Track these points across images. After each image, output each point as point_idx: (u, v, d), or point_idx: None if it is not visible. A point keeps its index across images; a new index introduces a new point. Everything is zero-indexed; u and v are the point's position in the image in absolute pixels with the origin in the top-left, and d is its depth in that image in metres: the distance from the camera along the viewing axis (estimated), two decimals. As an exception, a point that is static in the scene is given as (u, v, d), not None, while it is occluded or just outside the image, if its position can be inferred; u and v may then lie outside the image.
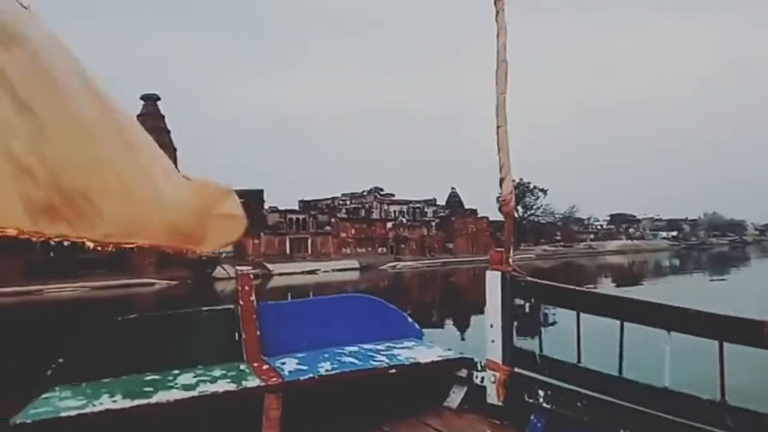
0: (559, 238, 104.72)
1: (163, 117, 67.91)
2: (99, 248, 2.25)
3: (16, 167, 2.11)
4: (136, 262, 54.24)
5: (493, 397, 3.35)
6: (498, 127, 3.26)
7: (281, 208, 75.60)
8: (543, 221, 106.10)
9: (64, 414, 2.66)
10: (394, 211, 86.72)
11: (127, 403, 2.76)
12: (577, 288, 3.26)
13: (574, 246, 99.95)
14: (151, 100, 66.85)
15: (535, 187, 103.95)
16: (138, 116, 68.00)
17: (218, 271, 56.91)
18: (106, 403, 2.78)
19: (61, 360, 3.22)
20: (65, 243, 2.24)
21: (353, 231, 79.53)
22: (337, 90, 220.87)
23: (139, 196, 2.28)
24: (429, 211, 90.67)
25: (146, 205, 2.30)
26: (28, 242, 2.26)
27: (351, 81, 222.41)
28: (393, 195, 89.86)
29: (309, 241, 74.74)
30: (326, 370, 3.22)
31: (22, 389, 3.07)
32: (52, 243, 2.19)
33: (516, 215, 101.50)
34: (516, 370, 3.32)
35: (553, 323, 6.98)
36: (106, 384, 3.10)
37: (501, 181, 3.28)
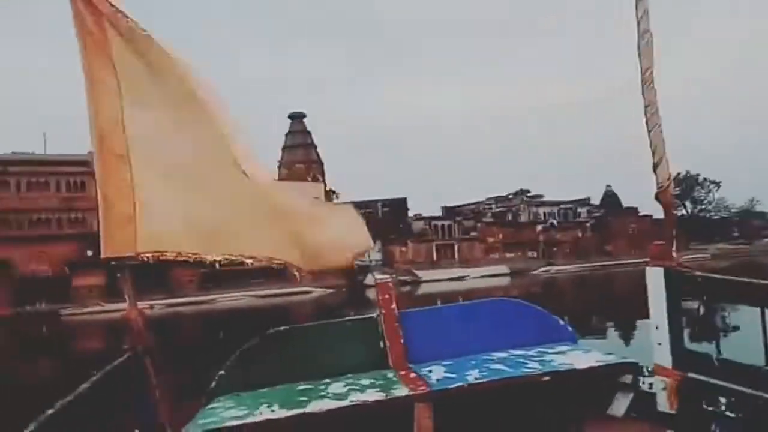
0: (737, 234, 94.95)
1: (309, 133, 71.45)
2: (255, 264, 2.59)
3: (180, 202, 2.42)
4: (292, 271, 56.87)
5: (664, 404, 3.07)
6: (646, 107, 2.99)
7: (425, 215, 76.02)
8: (716, 217, 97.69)
9: (228, 424, 2.77)
10: (544, 213, 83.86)
11: (284, 413, 2.83)
12: (761, 281, 2.87)
13: (754, 243, 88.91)
14: (298, 117, 70.27)
15: (705, 180, 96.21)
16: (287, 134, 72.83)
17: (369, 279, 58.28)
18: (265, 413, 2.86)
19: (222, 372, 3.37)
20: (223, 261, 2.54)
21: (500, 235, 77.89)
22: (469, 91, 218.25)
23: (287, 220, 2.56)
24: (582, 211, 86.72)
25: (290, 228, 2.58)
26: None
27: (481, 80, 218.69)
28: (541, 196, 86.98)
29: (455, 247, 74.34)
30: (475, 378, 3.11)
31: (194, 397, 3.25)
32: (208, 263, 2.54)
33: (684, 212, 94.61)
34: (690, 375, 3.02)
35: (735, 328, 5.85)
36: (264, 394, 3.21)
37: (655, 166, 2.97)
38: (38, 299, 46.99)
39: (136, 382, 2.74)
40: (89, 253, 53.84)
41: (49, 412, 1.99)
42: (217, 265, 2.79)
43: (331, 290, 53.77)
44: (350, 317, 3.72)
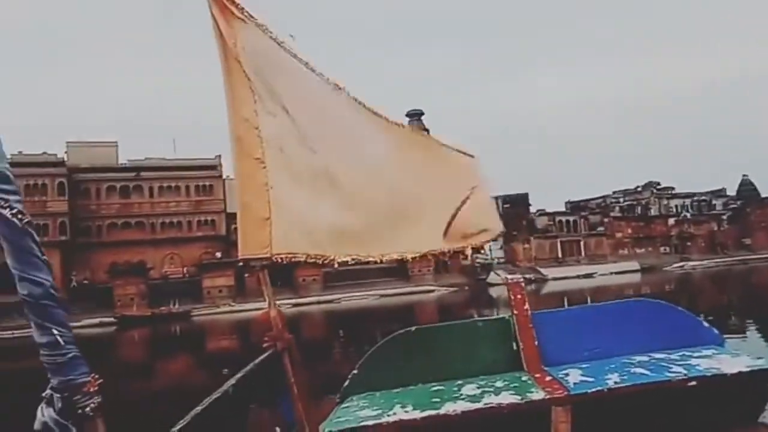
0: None
1: (427, 131, 70.58)
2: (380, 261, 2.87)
3: (309, 201, 2.60)
4: (415, 271, 56.65)
5: None
6: None
7: (548, 210, 73.30)
8: None
9: (363, 423, 2.80)
10: (676, 206, 79.46)
11: (418, 414, 2.84)
12: None
13: None
14: (416, 116, 69.83)
15: None
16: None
17: (492, 277, 56.84)
18: (399, 413, 2.87)
19: (356, 371, 3.44)
20: (350, 261, 2.73)
21: (629, 230, 74.35)
22: (592, 83, 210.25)
23: (429, 211, 2.85)
24: (718, 203, 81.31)
25: (433, 218, 2.85)
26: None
27: (606, 69, 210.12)
28: (672, 188, 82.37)
29: (581, 243, 71.47)
30: (615, 382, 2.99)
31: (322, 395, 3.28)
32: (336, 264, 2.66)
33: None
34: None
35: None
36: (398, 394, 3.23)
37: None
38: (172, 300, 48.77)
39: (276, 380, 2.74)
40: (218, 255, 55.84)
41: (200, 407, 2.04)
42: (336, 265, 2.73)
43: (453, 289, 52.95)
44: (481, 318, 3.69)
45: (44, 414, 1.37)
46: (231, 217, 58.48)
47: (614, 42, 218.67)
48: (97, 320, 41.61)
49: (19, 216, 1.34)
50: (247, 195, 2.62)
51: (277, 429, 2.77)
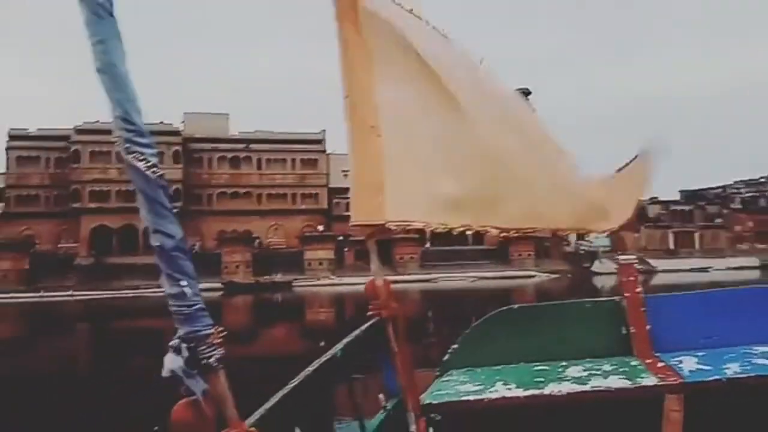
0: None
1: (534, 111, 68.42)
2: (503, 235, 2.75)
3: (426, 167, 2.57)
4: (514, 254, 55.48)
5: None
6: None
7: (661, 198, 69.45)
8: None
9: (464, 398, 2.81)
10: (805, 200, 72.75)
11: (521, 392, 2.80)
12: None
13: None
14: (524, 95, 67.97)
15: None
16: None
17: (597, 266, 54.71)
18: (501, 390, 2.86)
19: (456, 345, 3.41)
20: (468, 232, 2.68)
21: (751, 223, 69.25)
22: (711, 64, 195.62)
23: (540, 186, 2.65)
24: None
25: (546, 194, 2.66)
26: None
27: (730, 51, 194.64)
28: (801, 179, 75.52)
29: (696, 235, 67.28)
30: (734, 372, 2.76)
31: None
32: (453, 233, 2.60)
33: None
34: None
35: None
36: (499, 371, 3.20)
37: None
38: (275, 270, 50.33)
39: (380, 349, 2.71)
40: (320, 228, 57.06)
41: (310, 368, 2.11)
42: (453, 233, 2.66)
43: (554, 276, 51.39)
44: (590, 299, 3.55)
45: (172, 362, 1.41)
46: (333, 192, 59.60)
47: (736, 22, 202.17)
48: (205, 285, 43.62)
49: (153, 170, 1.39)
50: (361, 163, 2.60)
51: (381, 396, 2.78)
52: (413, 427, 2.63)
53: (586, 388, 2.82)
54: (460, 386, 3.00)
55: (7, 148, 55.83)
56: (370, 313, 2.71)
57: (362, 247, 40.65)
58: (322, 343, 3.47)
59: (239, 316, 32.38)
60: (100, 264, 51.79)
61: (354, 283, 38.60)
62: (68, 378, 14.58)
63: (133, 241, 54.08)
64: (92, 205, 55.12)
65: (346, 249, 53.16)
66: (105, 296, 42.40)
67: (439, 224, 2.59)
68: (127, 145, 1.38)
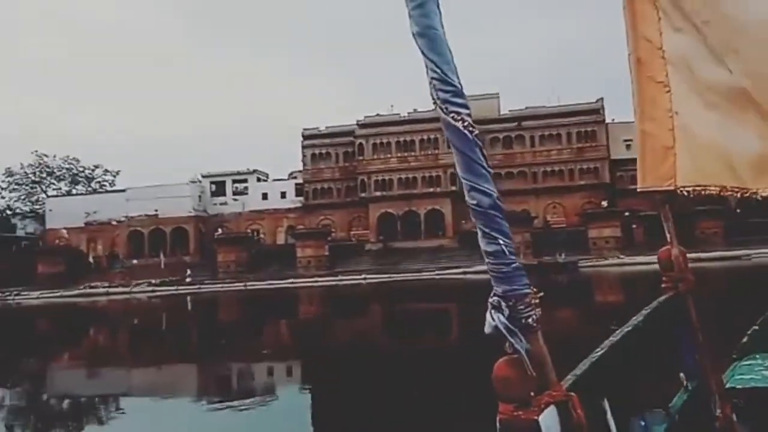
0: None
1: None
2: None
3: (724, 126, 2.31)
4: None
5: None
6: None
7: None
8: None
9: None
10: None
11: None
12: None
13: None
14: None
15: None
16: None
17: None
18: None
19: (756, 327, 3.25)
20: None
21: None
22: None
23: None
24: None
25: None
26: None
27: None
28: None
29: None
30: None
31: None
32: (758, 198, 2.30)
33: None
34: None
35: None
36: None
37: None
38: (557, 250, 48.11)
39: (678, 324, 2.53)
40: (604, 203, 53.19)
41: (610, 340, 2.04)
42: (759, 198, 2.29)
43: None
44: None
45: (494, 318, 1.41)
46: (615, 164, 55.17)
47: None
48: (482, 267, 43.40)
49: (471, 129, 1.42)
50: (648, 123, 2.40)
51: (682, 375, 2.49)
52: (718, 411, 2.40)
53: None
54: (765, 371, 2.89)
55: (303, 147, 62.23)
56: (664, 285, 2.50)
57: (652, 223, 36.63)
58: (614, 326, 2.34)
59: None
60: (388, 248, 54.94)
61: (645, 262, 35.02)
62: (372, 352, 15.92)
63: (415, 226, 56.52)
64: (377, 194, 58.76)
65: (634, 226, 48.67)
66: (393, 279, 44.58)
67: (738, 188, 2.31)
68: (445, 105, 1.41)
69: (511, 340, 1.38)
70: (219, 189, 65.24)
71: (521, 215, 52.55)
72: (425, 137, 57.63)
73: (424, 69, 1.39)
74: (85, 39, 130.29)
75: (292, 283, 46.64)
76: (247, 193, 64.17)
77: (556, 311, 22.91)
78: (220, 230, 59.24)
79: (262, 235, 62.56)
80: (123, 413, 10.91)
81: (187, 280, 51.42)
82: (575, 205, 55.97)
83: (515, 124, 58.98)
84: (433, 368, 12.17)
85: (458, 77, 1.43)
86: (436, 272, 42.81)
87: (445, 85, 1.40)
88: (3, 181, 73.85)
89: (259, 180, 65.96)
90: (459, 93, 1.42)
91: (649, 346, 2.38)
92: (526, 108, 59.83)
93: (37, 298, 49.35)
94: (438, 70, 1.40)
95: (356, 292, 40.38)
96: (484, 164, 1.42)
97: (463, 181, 1.43)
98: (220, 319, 30.71)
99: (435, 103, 1.42)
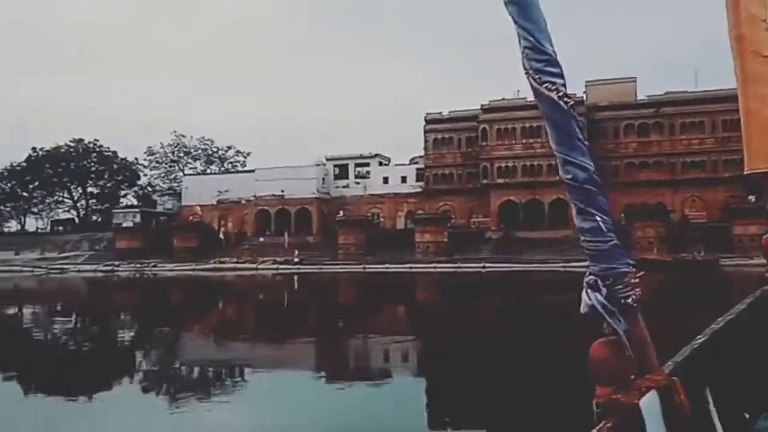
0: None
1: None
2: None
3: None
4: None
5: None
6: None
7: None
8: None
9: None
10: None
11: None
12: None
13: None
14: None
15: None
16: None
17: None
18: None
19: None
20: None
21: None
22: None
23: None
24: None
25: None
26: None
27: None
28: None
29: None
30: None
31: None
32: None
33: None
34: None
35: None
36: None
37: None
38: (695, 246, 44.49)
39: None
40: (751, 198, 48.56)
41: (712, 327, 1.96)
42: None
43: None
44: None
45: (591, 298, 1.35)
46: None
47: None
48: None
49: (566, 99, 1.37)
50: (753, 101, 2.25)
51: None
52: None
53: None
54: None
55: (425, 131, 61.70)
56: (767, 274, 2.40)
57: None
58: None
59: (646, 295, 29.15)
60: (509, 237, 53.39)
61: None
62: (487, 342, 15.44)
63: (539, 216, 54.47)
64: (500, 181, 57.21)
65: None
66: (514, 269, 43.25)
67: None
68: (538, 75, 1.36)
69: (609, 320, 1.32)
70: (342, 172, 66.30)
71: (656, 208, 49.19)
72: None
73: (516, 38, 1.30)
74: (222, 31, 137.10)
75: (411, 267, 46.51)
76: (368, 177, 64.74)
77: (685, 305, 21.08)
78: (341, 212, 60.24)
79: (381, 219, 62.99)
80: (245, 384, 11.07)
81: (295, 260, 52.92)
82: (717, 199, 51.58)
83: (653, 110, 55.15)
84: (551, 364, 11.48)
85: (552, 45, 1.34)
86: (561, 264, 40.91)
87: (539, 53, 1.33)
88: (145, 160, 79.64)
89: (380, 164, 66.36)
90: (553, 62, 1.34)
91: (753, 335, 2.23)
92: (666, 93, 55.72)
93: (171, 270, 52.61)
94: (531, 38, 1.32)
95: (473, 279, 39.57)
96: (580, 136, 1.37)
97: (557, 154, 1.36)
98: (339, 299, 31.08)
99: (527, 72, 1.34)
